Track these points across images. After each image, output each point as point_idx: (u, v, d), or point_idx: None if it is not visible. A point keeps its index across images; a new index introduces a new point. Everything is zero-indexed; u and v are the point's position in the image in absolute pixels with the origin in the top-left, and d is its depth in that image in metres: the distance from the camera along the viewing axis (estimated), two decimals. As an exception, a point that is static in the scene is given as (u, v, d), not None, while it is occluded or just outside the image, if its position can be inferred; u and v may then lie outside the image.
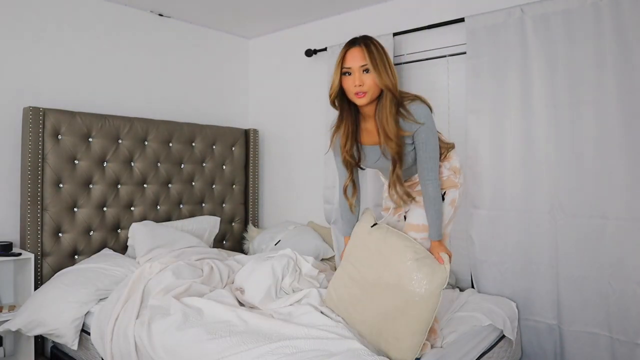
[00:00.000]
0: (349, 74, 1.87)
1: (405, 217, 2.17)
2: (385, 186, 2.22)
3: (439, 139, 1.99)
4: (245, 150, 3.86)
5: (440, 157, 2.00)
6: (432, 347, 2.01)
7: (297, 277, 2.44)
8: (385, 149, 1.92)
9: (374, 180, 3.09)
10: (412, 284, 1.81)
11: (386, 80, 1.83)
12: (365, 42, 1.86)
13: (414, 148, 1.93)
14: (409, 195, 1.98)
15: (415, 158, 1.96)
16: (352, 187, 2.09)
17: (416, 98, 1.90)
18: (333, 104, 1.97)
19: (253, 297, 2.30)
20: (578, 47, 2.42)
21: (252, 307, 2.28)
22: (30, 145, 2.74)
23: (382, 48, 1.88)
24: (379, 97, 1.89)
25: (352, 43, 1.88)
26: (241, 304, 2.33)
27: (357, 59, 1.85)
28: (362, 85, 1.84)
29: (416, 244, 1.94)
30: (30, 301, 2.52)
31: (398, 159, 1.91)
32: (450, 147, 2.08)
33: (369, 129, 1.98)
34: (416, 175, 2.07)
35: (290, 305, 2.22)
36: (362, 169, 2.13)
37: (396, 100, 1.86)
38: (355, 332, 1.93)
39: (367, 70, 1.84)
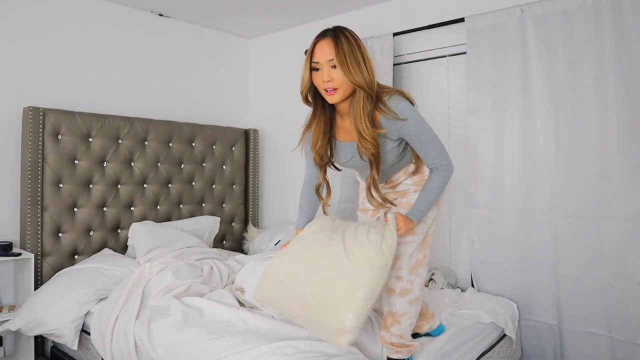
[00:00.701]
0: (318, 69, 1.70)
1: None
2: (362, 185, 2.10)
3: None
4: (245, 150, 3.86)
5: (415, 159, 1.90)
6: (430, 328, 2.05)
7: (297, 277, 2.44)
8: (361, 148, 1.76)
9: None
10: (362, 247, 1.68)
11: (356, 78, 1.65)
12: (335, 34, 1.68)
13: (398, 145, 1.80)
14: (386, 200, 1.83)
15: (399, 155, 1.84)
16: (326, 187, 1.93)
17: (395, 92, 1.75)
18: (306, 100, 1.82)
19: (253, 297, 2.29)
20: (578, 47, 2.42)
21: (252, 307, 2.28)
22: (30, 145, 2.74)
23: (356, 40, 1.69)
24: (353, 93, 1.72)
25: (322, 35, 1.71)
26: (241, 304, 2.33)
27: (325, 52, 1.67)
28: (332, 81, 1.67)
29: (370, 223, 1.81)
30: (30, 301, 2.52)
31: (374, 161, 1.74)
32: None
33: (346, 127, 1.83)
34: (397, 175, 1.95)
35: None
36: (338, 170, 1.98)
37: (371, 98, 1.69)
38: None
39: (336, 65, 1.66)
